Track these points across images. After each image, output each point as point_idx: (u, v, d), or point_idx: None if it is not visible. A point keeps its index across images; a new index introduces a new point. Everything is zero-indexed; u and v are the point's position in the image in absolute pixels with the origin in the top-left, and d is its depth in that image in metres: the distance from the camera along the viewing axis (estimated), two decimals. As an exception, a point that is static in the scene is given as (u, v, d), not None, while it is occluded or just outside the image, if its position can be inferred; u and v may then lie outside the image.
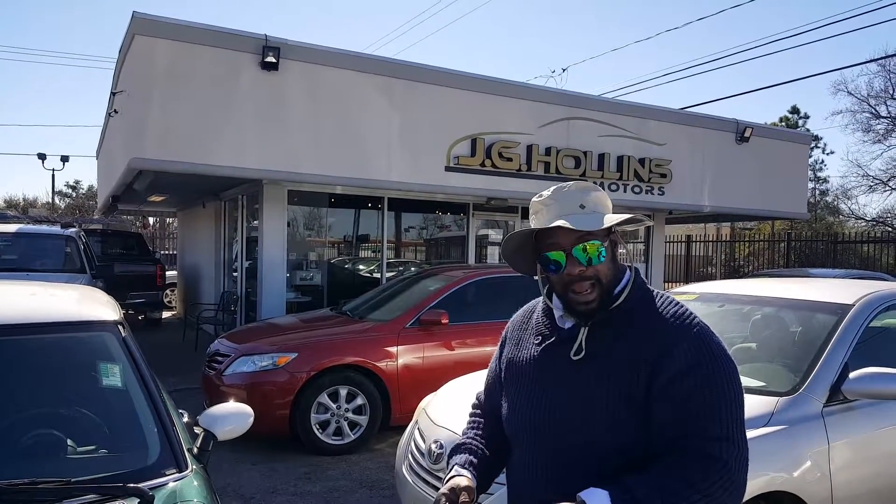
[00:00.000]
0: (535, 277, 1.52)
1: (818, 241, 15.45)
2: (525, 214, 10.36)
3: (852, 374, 2.81)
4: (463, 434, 1.68)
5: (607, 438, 1.32)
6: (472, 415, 1.73)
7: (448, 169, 8.41)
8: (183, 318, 12.33)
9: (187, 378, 7.16)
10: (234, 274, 10.03)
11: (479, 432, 1.65)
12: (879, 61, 23.14)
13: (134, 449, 1.99)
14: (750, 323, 3.57)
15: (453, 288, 5.85)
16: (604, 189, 9.70)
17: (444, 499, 1.42)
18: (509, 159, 8.75)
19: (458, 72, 8.49)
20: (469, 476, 1.50)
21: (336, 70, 7.54)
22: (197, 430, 2.34)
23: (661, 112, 10.25)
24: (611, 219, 1.38)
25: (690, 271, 17.09)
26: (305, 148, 7.45)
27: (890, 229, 22.36)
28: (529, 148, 8.92)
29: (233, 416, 2.37)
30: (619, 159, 9.67)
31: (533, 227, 1.43)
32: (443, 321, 5.47)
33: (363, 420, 5.22)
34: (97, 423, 2.09)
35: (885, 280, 6.40)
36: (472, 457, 1.56)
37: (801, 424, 2.69)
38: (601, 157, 9.51)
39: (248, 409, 2.46)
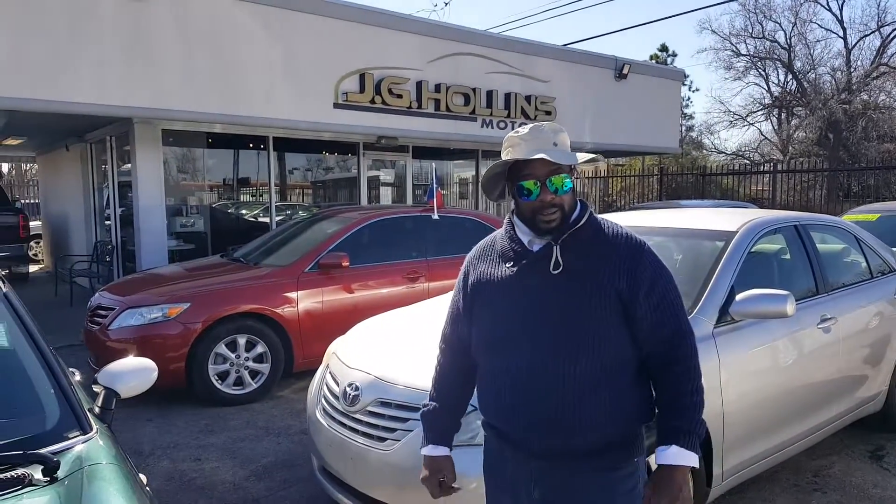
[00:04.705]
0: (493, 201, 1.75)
1: (687, 175, 16.59)
2: (416, 154, 10.26)
3: (738, 296, 3.02)
4: (432, 386, 1.90)
5: (594, 327, 1.57)
6: (437, 361, 1.91)
7: (337, 106, 8.12)
8: (53, 271, 11.35)
9: (67, 335, 6.60)
10: (107, 222, 9.22)
11: (446, 379, 1.88)
12: (741, 1, 24.73)
13: (31, 413, 1.80)
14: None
15: (352, 230, 5.71)
16: (493, 126, 9.71)
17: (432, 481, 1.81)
18: (399, 96, 8.57)
19: (339, 1, 8.07)
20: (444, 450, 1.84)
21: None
22: (96, 388, 2.18)
23: (545, 48, 10.38)
24: (581, 156, 1.53)
25: (573, 206, 17.74)
26: (178, 83, 6.91)
27: (748, 162, 24.46)
28: (419, 84, 8.77)
29: (135, 371, 2.26)
30: (507, 96, 9.75)
31: (508, 158, 1.60)
32: (343, 264, 5.36)
33: (265, 368, 5.08)
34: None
35: (750, 208, 7.00)
36: (440, 422, 1.85)
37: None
38: (489, 93, 9.54)
39: (150, 363, 2.34)
